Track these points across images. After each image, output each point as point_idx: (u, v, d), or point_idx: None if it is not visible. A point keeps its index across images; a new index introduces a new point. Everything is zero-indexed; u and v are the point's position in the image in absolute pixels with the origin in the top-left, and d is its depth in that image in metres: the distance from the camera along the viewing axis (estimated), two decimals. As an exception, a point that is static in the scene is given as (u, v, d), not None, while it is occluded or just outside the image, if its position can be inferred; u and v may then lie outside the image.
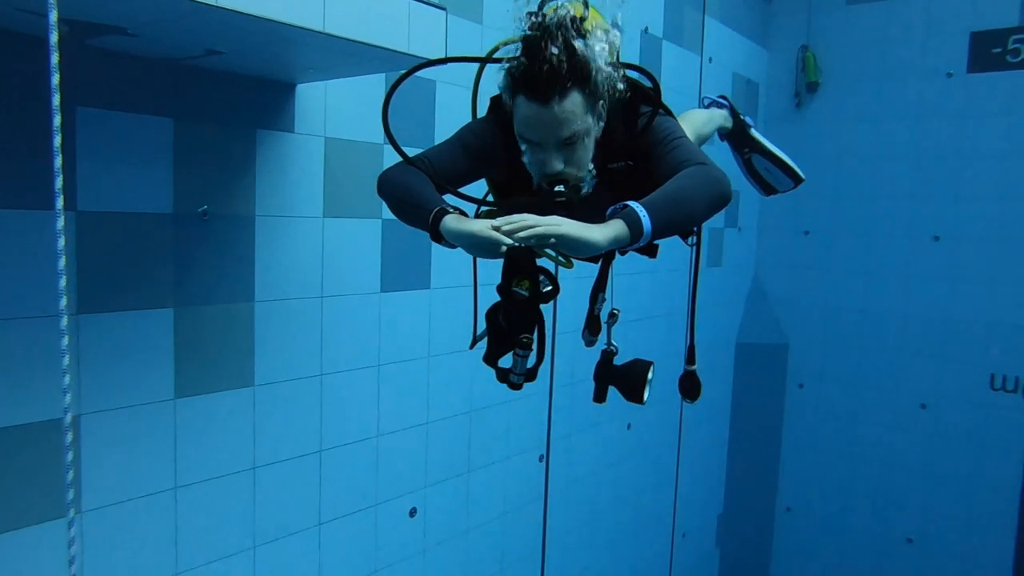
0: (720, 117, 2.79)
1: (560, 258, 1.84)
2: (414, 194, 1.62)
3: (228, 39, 2.18)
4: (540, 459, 4.33)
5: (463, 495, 3.82)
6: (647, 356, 2.00)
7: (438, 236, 1.54)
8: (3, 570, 2.23)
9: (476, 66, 1.84)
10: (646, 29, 4.87)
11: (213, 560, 2.75)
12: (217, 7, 1.77)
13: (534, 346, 1.61)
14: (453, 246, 1.53)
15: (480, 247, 1.46)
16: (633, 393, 1.87)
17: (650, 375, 1.87)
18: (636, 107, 1.70)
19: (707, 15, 5.62)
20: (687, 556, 6.26)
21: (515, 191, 1.80)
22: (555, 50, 1.50)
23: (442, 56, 2.35)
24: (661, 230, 1.46)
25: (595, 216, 1.59)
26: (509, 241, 1.42)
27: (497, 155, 1.76)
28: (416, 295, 3.42)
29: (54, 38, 1.47)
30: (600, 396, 1.95)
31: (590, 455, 4.74)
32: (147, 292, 2.50)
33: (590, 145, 1.62)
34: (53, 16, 1.44)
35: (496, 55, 1.73)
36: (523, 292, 1.53)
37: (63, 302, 1.44)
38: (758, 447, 6.88)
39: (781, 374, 6.77)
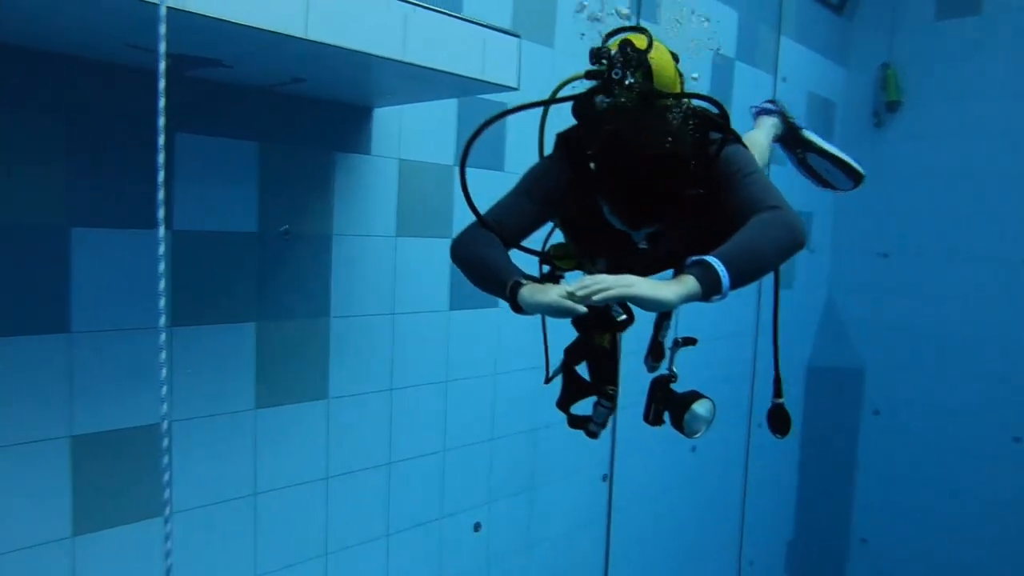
0: (771, 127, 2.75)
1: None
2: (488, 266, 1.68)
3: (313, 67, 2.30)
4: (604, 478, 4.34)
5: (526, 512, 3.85)
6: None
7: (518, 307, 1.60)
8: (107, 563, 2.37)
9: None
10: (718, 49, 4.87)
11: (288, 565, 2.86)
12: (306, 40, 1.88)
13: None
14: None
15: (558, 314, 1.51)
16: (676, 420, 1.83)
17: (701, 410, 1.80)
18: (706, 135, 1.72)
19: (782, 34, 5.57)
20: (755, 583, 6.13)
21: (585, 227, 1.82)
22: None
23: (513, 81, 2.43)
24: (737, 283, 1.48)
25: (668, 245, 1.63)
26: (583, 310, 1.46)
27: (564, 195, 1.78)
28: (484, 313, 3.48)
29: (162, 67, 1.58)
30: (648, 415, 1.91)
31: (654, 476, 4.72)
32: (232, 307, 2.64)
33: (678, 203, 1.62)
34: (162, 47, 1.56)
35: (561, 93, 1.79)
36: (605, 346, 1.58)
37: (163, 320, 1.53)
38: (831, 474, 6.70)
39: (855, 400, 6.59)
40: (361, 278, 3.02)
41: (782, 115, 2.86)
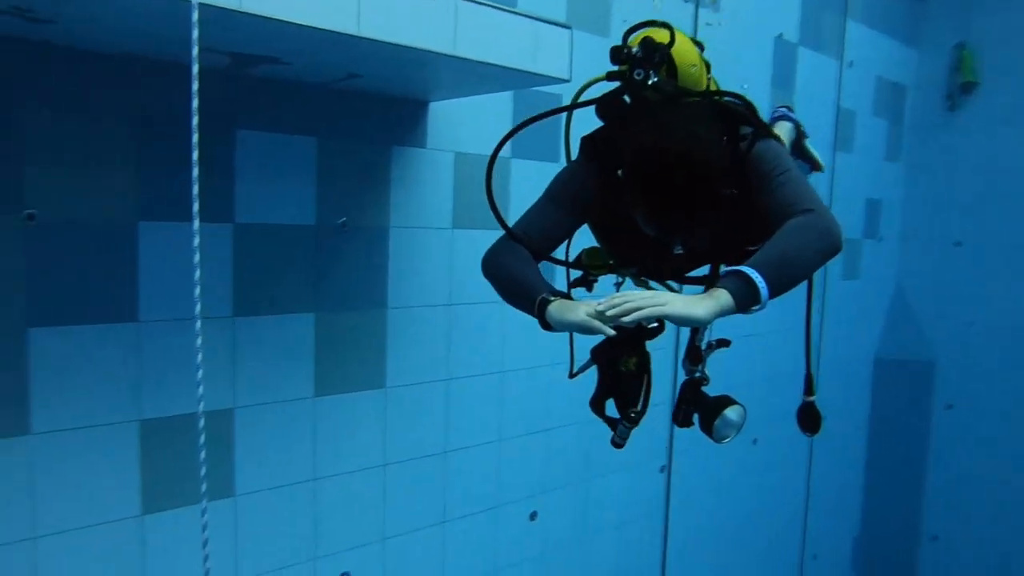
0: (788, 132, 2.68)
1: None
2: (517, 282, 1.65)
3: (367, 64, 2.35)
4: (661, 470, 4.31)
5: (582, 502, 3.86)
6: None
7: (546, 325, 1.56)
8: (174, 541, 2.48)
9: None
10: (780, 35, 4.75)
11: (348, 549, 2.94)
12: (358, 36, 1.92)
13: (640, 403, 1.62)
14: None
15: (586, 332, 1.49)
16: (705, 424, 1.75)
17: (733, 416, 1.73)
18: (736, 130, 1.66)
19: (848, 17, 5.40)
20: (819, 579, 6.02)
21: (616, 230, 1.78)
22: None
23: (565, 72, 2.43)
24: (775, 292, 1.44)
25: (701, 245, 1.61)
26: (611, 332, 1.44)
27: (592, 200, 1.75)
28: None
29: (195, 70, 1.64)
30: (677, 416, 1.84)
31: (713, 468, 4.66)
32: (291, 298, 2.72)
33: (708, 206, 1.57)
34: (195, 51, 1.61)
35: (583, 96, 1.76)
36: (631, 368, 1.54)
37: (198, 311, 1.59)
38: (900, 469, 6.51)
39: (926, 393, 6.38)
40: (418, 270, 3.06)
41: (796, 124, 2.78)
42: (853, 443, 6.34)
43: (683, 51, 1.69)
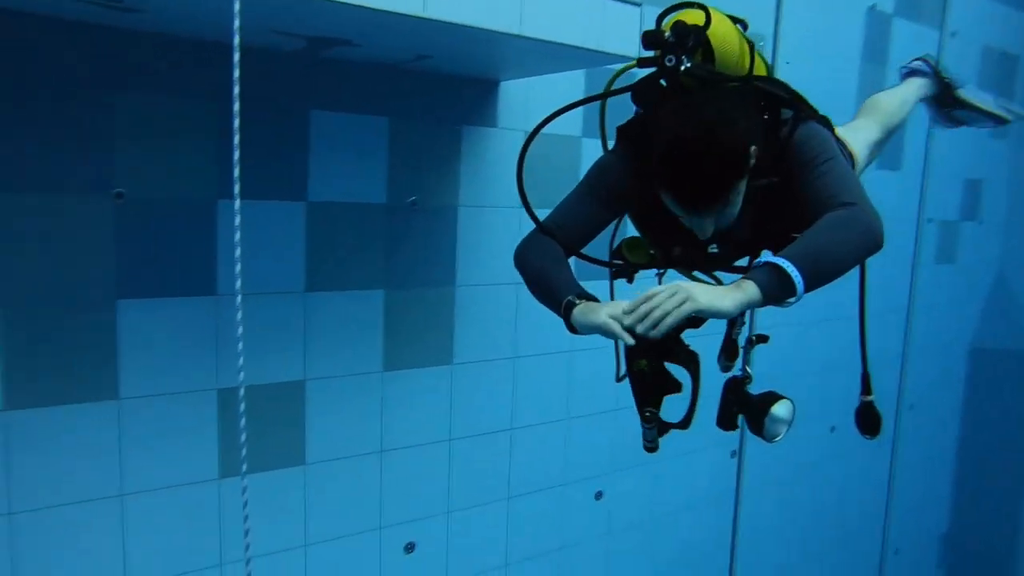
0: (918, 89, 2.50)
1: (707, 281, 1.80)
2: (546, 281, 1.64)
3: (435, 44, 2.37)
4: (732, 455, 4.24)
5: (650, 484, 3.85)
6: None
7: (572, 327, 1.55)
8: (250, 507, 2.61)
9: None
10: (873, 6, 4.52)
11: (413, 520, 3.02)
12: (424, 18, 1.94)
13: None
14: None
15: (608, 336, 1.46)
16: (754, 425, 1.69)
17: (782, 412, 1.67)
18: (777, 115, 1.59)
19: (952, -16, 5.09)
20: (901, 575, 5.81)
21: (654, 219, 1.73)
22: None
23: (634, 51, 2.38)
24: (811, 285, 1.39)
25: (740, 235, 1.59)
26: (630, 340, 1.41)
27: (627, 189, 1.72)
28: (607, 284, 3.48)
29: (236, 55, 1.69)
30: (722, 420, 1.78)
31: (787, 455, 4.55)
32: (362, 274, 2.79)
33: (739, 201, 1.53)
34: (236, 24, 1.66)
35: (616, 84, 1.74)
36: (642, 367, 1.48)
37: (238, 284, 1.65)
38: (996, 464, 6.19)
39: (1025, 385, 6.04)
40: (487, 248, 3.09)
41: (935, 74, 2.61)
42: (943, 435, 6.07)
43: (720, 33, 1.61)
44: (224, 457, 2.54)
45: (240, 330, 1.60)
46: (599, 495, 3.64)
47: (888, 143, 2.38)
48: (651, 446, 1.61)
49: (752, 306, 1.38)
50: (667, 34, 1.55)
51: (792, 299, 1.39)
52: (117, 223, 2.26)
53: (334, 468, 2.80)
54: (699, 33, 1.55)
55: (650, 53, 1.61)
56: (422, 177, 2.88)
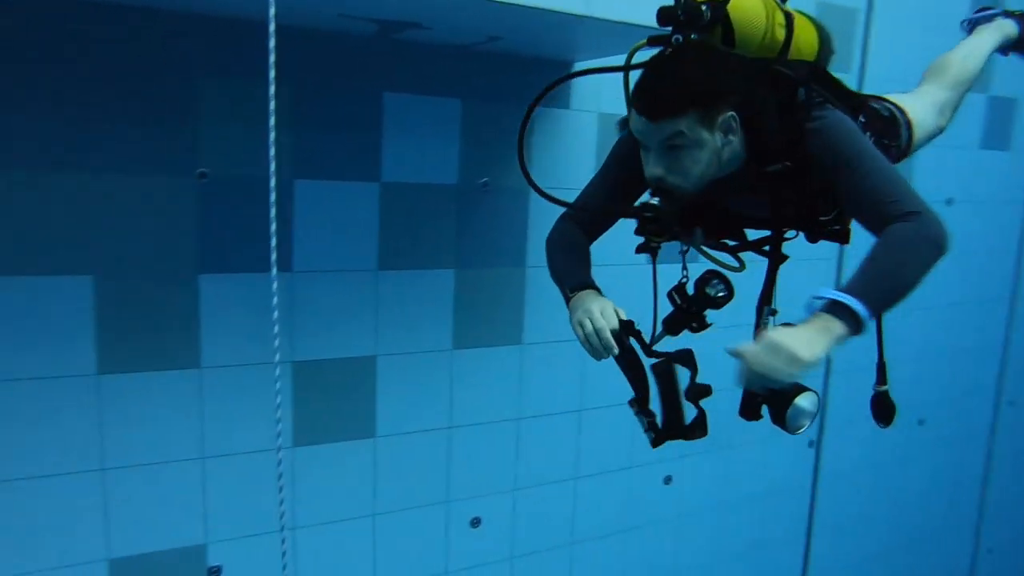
0: (989, 36, 2.31)
1: (729, 262, 1.76)
2: (558, 271, 1.75)
3: (505, 26, 2.38)
4: (810, 444, 4.13)
5: (721, 470, 3.79)
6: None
7: None
8: (320, 473, 2.73)
9: None
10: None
11: (479, 495, 3.09)
12: (493, 0, 1.96)
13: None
14: None
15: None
16: (777, 415, 1.60)
17: (805, 403, 1.58)
18: (793, 97, 1.50)
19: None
20: (995, 575, 5.54)
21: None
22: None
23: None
24: (878, 315, 1.36)
25: (751, 202, 1.55)
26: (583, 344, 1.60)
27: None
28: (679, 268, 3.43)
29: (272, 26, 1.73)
30: (744, 410, 1.74)
31: (870, 447, 4.39)
32: (433, 254, 2.85)
33: (703, 158, 1.48)
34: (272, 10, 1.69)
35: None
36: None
37: (273, 257, 1.71)
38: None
39: None
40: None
41: (1010, 14, 2.38)
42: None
43: (742, 7, 1.52)
44: (298, 426, 2.65)
45: (275, 314, 1.63)
46: (668, 479, 3.62)
47: (962, 102, 2.23)
48: (651, 440, 1.72)
49: (839, 340, 1.34)
50: (679, 12, 1.50)
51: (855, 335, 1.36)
52: (199, 201, 2.38)
53: (403, 442, 2.88)
54: (717, 8, 1.48)
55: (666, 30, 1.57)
56: (494, 158, 2.90)
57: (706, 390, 1.68)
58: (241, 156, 2.44)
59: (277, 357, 1.65)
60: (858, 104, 1.68)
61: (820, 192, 1.50)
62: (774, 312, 1.73)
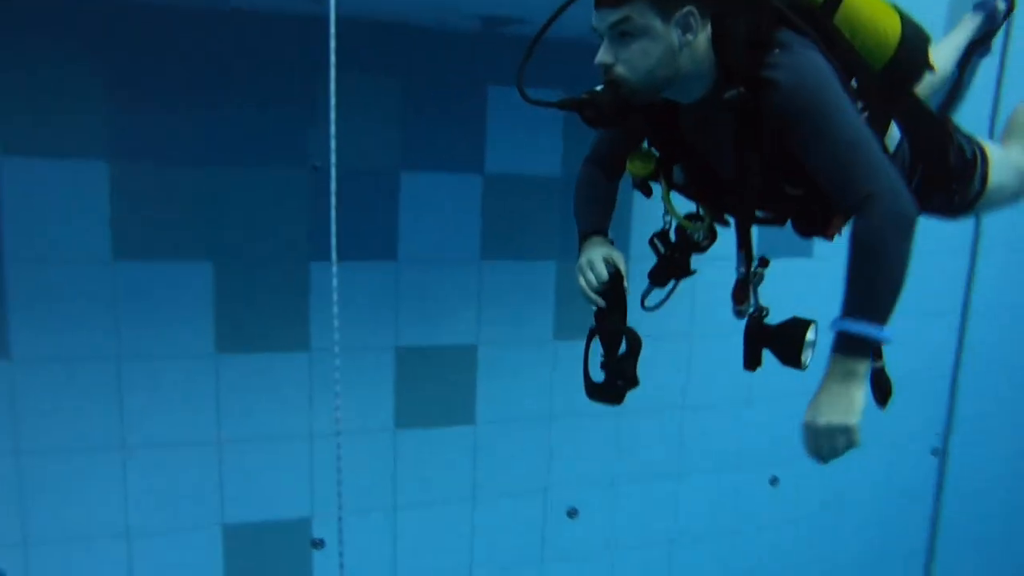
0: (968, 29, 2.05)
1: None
2: (577, 214, 1.76)
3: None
4: (934, 452, 3.87)
5: (834, 475, 3.60)
6: None
7: None
8: (422, 457, 2.83)
9: None
10: None
11: (578, 486, 3.10)
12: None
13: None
14: None
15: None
16: (789, 356, 1.54)
17: (810, 335, 1.52)
18: (770, 29, 1.35)
19: None
20: None
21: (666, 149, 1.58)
22: None
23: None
24: (891, 313, 1.28)
25: (721, 152, 1.44)
26: (599, 301, 1.58)
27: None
28: (795, 263, 3.30)
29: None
30: (751, 362, 1.66)
31: (1001, 456, 4.05)
32: (535, 245, 2.87)
33: (654, 51, 1.36)
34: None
35: None
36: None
37: (333, 247, 1.77)
38: None
39: None
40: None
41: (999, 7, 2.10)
42: None
43: None
44: (400, 409, 2.75)
45: (335, 306, 1.69)
46: (775, 481, 3.50)
47: None
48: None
49: (867, 367, 1.31)
50: None
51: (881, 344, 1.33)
52: (311, 193, 2.50)
53: (503, 430, 2.93)
54: None
55: None
56: (598, 150, 2.89)
57: (625, 369, 1.65)
58: (351, 149, 2.55)
59: (337, 349, 1.72)
60: (935, 126, 1.57)
61: (778, 150, 1.36)
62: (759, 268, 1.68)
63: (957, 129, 1.72)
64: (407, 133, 2.61)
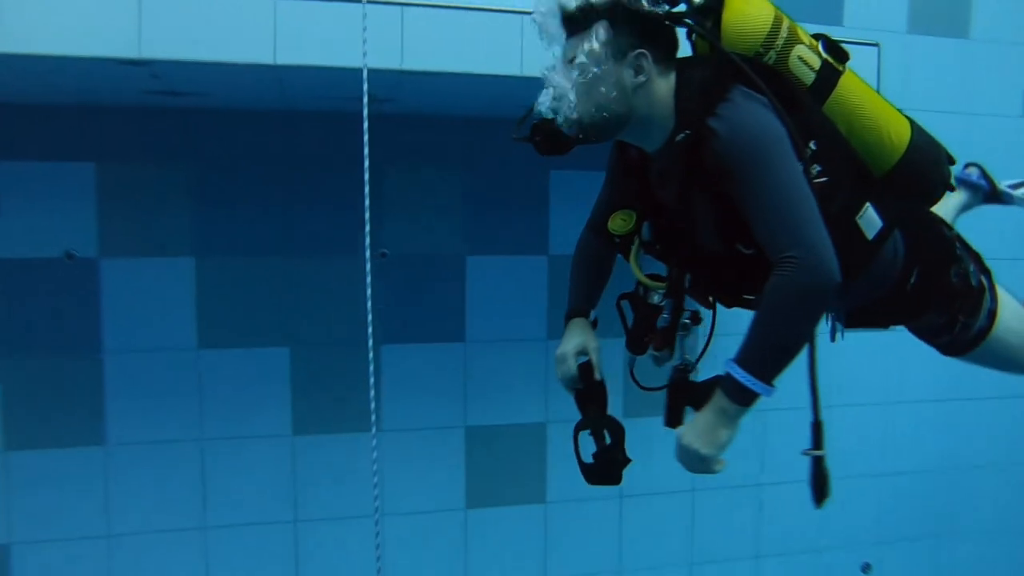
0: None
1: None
2: (570, 285, 1.77)
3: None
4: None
5: (929, 562, 3.41)
6: None
7: None
8: (492, 536, 2.84)
9: None
10: None
11: (652, 567, 3.03)
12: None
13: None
14: None
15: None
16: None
17: None
18: (715, 72, 1.37)
19: None
20: None
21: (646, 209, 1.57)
22: None
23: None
24: (773, 376, 1.29)
25: (678, 203, 1.42)
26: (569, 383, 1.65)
27: (619, 166, 1.65)
28: (876, 335, 3.19)
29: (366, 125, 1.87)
30: (671, 419, 1.62)
31: None
32: (603, 324, 2.87)
33: (600, 86, 1.39)
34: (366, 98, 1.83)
35: None
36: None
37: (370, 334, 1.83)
38: None
39: None
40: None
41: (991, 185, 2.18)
42: None
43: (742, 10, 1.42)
44: (471, 490, 2.78)
45: (372, 389, 1.75)
46: (866, 567, 3.31)
47: None
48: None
49: (740, 414, 1.34)
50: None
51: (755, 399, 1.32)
52: (381, 278, 2.62)
53: (574, 509, 2.91)
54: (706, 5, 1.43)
55: None
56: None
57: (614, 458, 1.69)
58: (419, 236, 2.67)
59: (373, 429, 1.77)
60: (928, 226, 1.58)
61: (722, 202, 1.36)
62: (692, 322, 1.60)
63: (968, 250, 1.69)
64: (472, 218, 2.72)
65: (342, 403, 2.61)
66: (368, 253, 1.76)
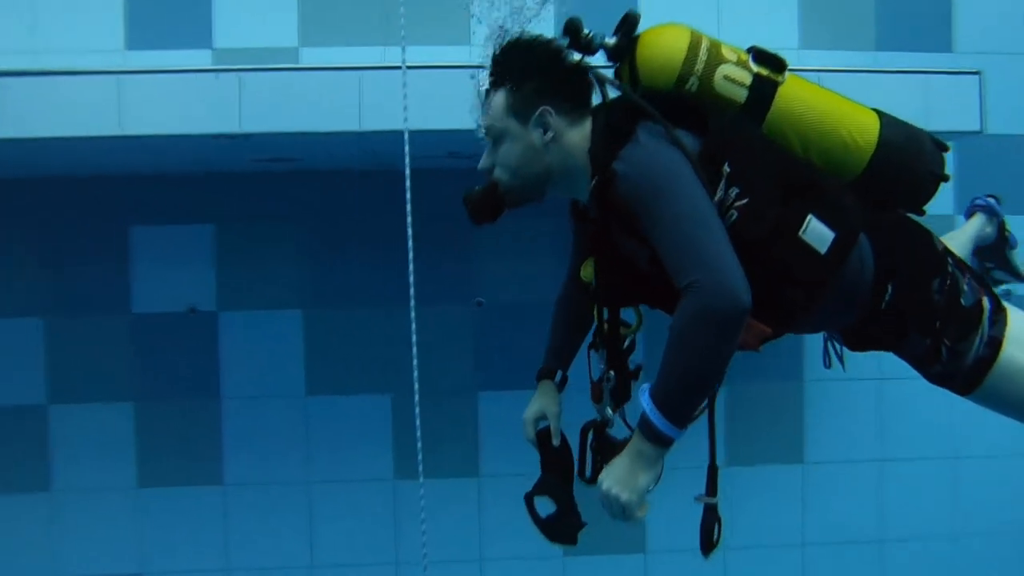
0: (978, 230, 2.02)
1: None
2: (548, 338, 1.82)
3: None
4: None
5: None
6: None
7: None
8: None
9: None
10: None
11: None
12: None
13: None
14: None
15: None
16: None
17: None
18: (623, 114, 1.38)
19: None
20: None
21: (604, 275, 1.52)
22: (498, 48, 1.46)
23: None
24: (684, 416, 1.23)
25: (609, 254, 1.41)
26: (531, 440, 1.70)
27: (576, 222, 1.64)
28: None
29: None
30: (582, 471, 1.63)
31: None
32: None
33: (515, 151, 1.44)
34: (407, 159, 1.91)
35: None
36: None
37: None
38: None
39: None
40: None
41: (1001, 223, 2.06)
42: None
43: (654, 44, 1.41)
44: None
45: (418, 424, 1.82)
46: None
47: None
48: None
49: (658, 456, 1.27)
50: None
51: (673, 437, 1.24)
52: (477, 327, 2.70)
53: (675, 560, 2.85)
54: (624, 42, 1.44)
55: None
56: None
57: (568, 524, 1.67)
58: (513, 284, 2.74)
59: (421, 479, 1.87)
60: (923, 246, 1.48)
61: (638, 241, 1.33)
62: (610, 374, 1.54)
63: (964, 268, 1.53)
64: (564, 266, 2.75)
65: (443, 448, 2.68)
66: (413, 303, 1.83)
